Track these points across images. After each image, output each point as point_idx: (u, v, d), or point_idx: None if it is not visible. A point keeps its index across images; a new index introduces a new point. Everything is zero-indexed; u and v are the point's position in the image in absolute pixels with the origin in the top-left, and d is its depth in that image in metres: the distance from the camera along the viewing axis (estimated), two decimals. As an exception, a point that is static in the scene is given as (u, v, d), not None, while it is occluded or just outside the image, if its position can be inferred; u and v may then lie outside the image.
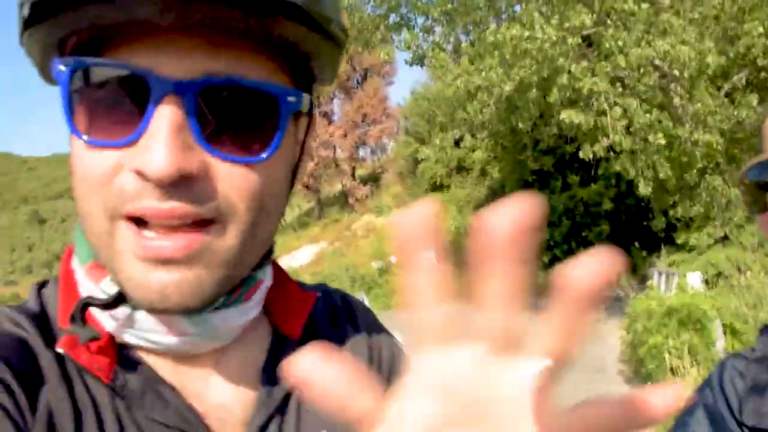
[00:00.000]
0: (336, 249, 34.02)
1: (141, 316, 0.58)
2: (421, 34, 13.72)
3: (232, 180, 0.52)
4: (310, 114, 0.64)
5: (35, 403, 0.52)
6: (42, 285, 0.64)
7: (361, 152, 42.09)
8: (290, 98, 0.54)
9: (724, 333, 6.44)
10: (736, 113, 11.00)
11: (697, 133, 10.87)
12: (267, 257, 0.66)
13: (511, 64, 11.09)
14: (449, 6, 12.46)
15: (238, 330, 0.65)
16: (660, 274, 10.49)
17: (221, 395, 0.63)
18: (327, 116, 41.57)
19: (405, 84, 76.34)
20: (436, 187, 28.89)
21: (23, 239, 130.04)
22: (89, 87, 0.52)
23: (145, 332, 0.59)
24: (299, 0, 0.51)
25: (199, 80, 0.49)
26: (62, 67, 0.51)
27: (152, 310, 0.57)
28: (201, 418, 0.60)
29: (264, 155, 0.53)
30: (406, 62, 13.96)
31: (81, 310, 0.58)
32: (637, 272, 18.57)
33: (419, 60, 13.78)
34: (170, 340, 0.60)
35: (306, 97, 0.59)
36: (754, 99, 10.96)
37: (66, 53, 0.53)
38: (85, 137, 0.51)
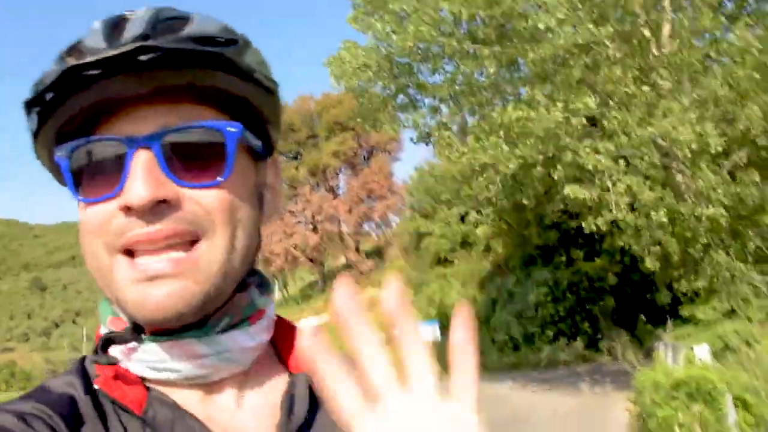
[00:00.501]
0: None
1: (154, 347, 0.67)
2: (428, 113, 14.18)
3: (202, 202, 0.64)
4: (268, 155, 0.77)
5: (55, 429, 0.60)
6: (84, 357, 0.74)
7: (366, 227, 42.28)
8: (230, 129, 0.66)
9: (736, 406, 6.43)
10: (738, 190, 11.23)
11: (700, 209, 11.07)
12: (266, 288, 0.77)
13: (516, 143, 11.45)
14: (456, 88, 12.94)
15: (251, 354, 0.72)
16: (666, 346, 10.46)
17: (245, 426, 0.70)
18: (333, 191, 41.98)
19: (411, 160, 76.93)
20: (440, 262, 28.84)
21: (22, 306, 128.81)
22: (83, 162, 0.64)
23: (161, 362, 0.67)
24: (219, 50, 0.64)
25: (159, 132, 0.63)
26: (60, 153, 0.64)
27: (155, 330, 0.66)
28: None
29: (221, 178, 0.65)
30: (412, 140, 14.32)
31: (102, 347, 0.67)
32: (643, 345, 18.36)
33: (425, 138, 14.16)
34: (186, 365, 0.67)
35: (255, 138, 0.72)
36: (755, 176, 11.25)
37: (62, 142, 0.66)
38: (86, 198, 0.65)
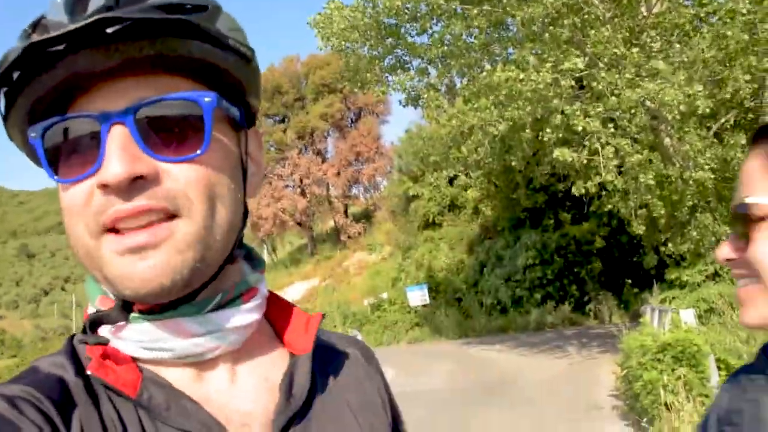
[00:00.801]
0: (328, 286, 33.82)
1: (147, 326, 0.66)
2: (416, 75, 14.01)
3: (180, 176, 0.62)
4: (249, 126, 0.75)
5: (69, 423, 0.59)
6: (73, 335, 0.72)
7: (354, 190, 42.24)
8: (206, 99, 0.64)
9: (719, 368, 6.53)
10: (724, 153, 11.25)
11: (687, 172, 11.09)
12: (258, 265, 0.76)
13: (505, 105, 11.35)
14: (444, 49, 12.76)
15: (244, 333, 0.71)
16: (653, 310, 10.59)
17: (242, 405, 0.69)
18: (320, 154, 41.78)
19: (399, 123, 76.69)
20: (429, 225, 28.95)
21: (11, 273, 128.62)
22: (58, 141, 0.63)
23: (154, 341, 0.66)
24: (187, 17, 0.62)
25: (133, 106, 0.61)
26: (33, 134, 0.63)
27: (146, 308, 0.65)
28: (224, 427, 0.65)
29: (199, 151, 0.63)
30: (400, 102, 14.20)
31: (91, 327, 0.67)
32: (629, 309, 18.64)
33: (413, 101, 14.03)
34: (181, 343, 0.66)
35: (233, 108, 0.69)
36: (742, 139, 11.25)
37: (35, 121, 0.64)
38: (64, 179, 0.63)
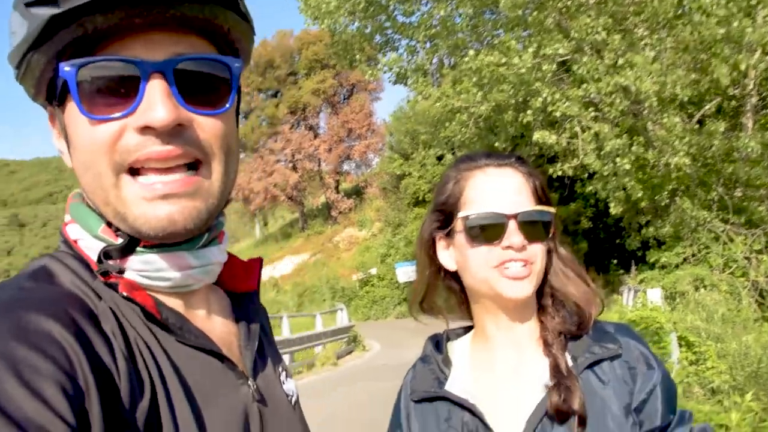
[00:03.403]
0: (318, 260, 33.98)
1: (153, 257, 0.71)
2: (405, 54, 14.10)
3: (208, 128, 0.69)
4: None
5: (108, 338, 0.63)
6: (51, 256, 0.73)
7: (346, 166, 42.19)
8: (236, 64, 0.71)
9: (680, 345, 6.84)
10: (703, 139, 11.47)
11: (666, 157, 11.31)
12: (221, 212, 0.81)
13: (489, 87, 11.50)
14: (432, 30, 12.85)
15: (219, 269, 0.79)
16: (629, 290, 10.90)
17: (219, 327, 0.79)
18: (313, 129, 41.64)
19: (392, 101, 75.90)
20: (419, 202, 29.09)
21: (2, 243, 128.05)
22: (92, 78, 0.65)
23: (157, 271, 0.72)
24: None
25: (172, 59, 0.66)
26: (68, 68, 0.65)
27: (162, 240, 0.70)
28: (219, 347, 0.75)
29: (227, 106, 0.71)
30: (389, 80, 14.31)
31: (104, 256, 0.70)
32: (614, 289, 18.98)
33: (402, 79, 14.14)
34: (177, 275, 0.73)
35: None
36: (721, 126, 11.47)
37: (64, 60, 0.66)
38: (93, 116, 0.66)
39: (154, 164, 0.66)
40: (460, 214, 1.10)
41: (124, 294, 0.67)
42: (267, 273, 33.54)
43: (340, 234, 35.70)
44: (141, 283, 0.72)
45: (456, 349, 1.18)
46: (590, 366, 1.04)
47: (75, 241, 0.74)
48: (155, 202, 0.67)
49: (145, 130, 0.65)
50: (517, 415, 1.03)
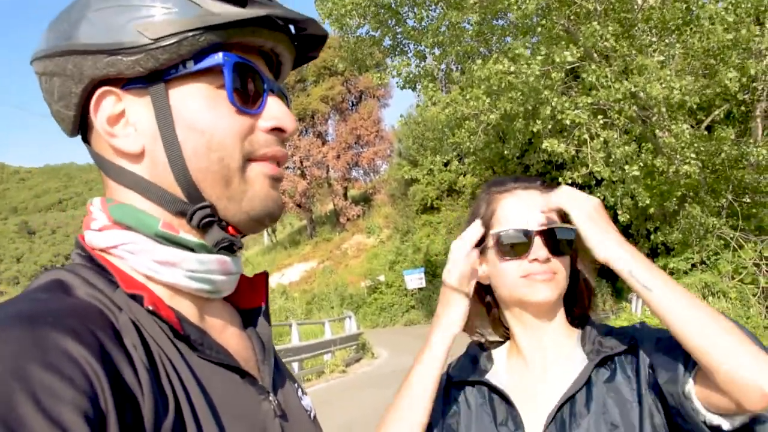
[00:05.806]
0: (326, 268, 34.01)
1: (209, 257, 0.72)
2: (413, 58, 14.13)
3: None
4: None
5: (131, 359, 0.60)
6: (62, 268, 0.69)
7: (354, 173, 42.27)
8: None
9: (689, 352, 6.80)
10: (712, 146, 11.42)
11: (675, 164, 11.28)
12: None
13: (498, 95, 11.52)
14: (441, 37, 12.89)
15: (237, 279, 0.81)
16: (638, 297, 10.85)
17: (235, 342, 0.78)
18: (321, 136, 41.76)
19: (400, 107, 76.01)
20: (427, 209, 29.11)
21: (11, 250, 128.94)
22: (235, 74, 0.72)
23: (206, 273, 0.72)
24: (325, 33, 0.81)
25: (281, 85, 0.80)
26: (226, 58, 0.71)
27: (253, 228, 0.76)
28: (238, 361, 0.74)
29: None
30: (397, 85, 14.34)
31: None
32: (623, 296, 18.91)
33: (411, 84, 14.18)
34: (221, 279, 0.74)
35: None
36: (731, 133, 11.43)
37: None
38: (239, 105, 0.72)
39: (280, 161, 0.76)
40: (492, 232, 1.24)
41: (150, 308, 0.66)
42: (275, 280, 33.58)
43: (349, 241, 35.75)
44: (183, 286, 0.71)
45: (495, 353, 1.34)
46: (605, 361, 1.17)
47: (105, 249, 0.71)
48: (271, 183, 0.74)
49: (274, 131, 0.74)
50: (543, 409, 1.17)
